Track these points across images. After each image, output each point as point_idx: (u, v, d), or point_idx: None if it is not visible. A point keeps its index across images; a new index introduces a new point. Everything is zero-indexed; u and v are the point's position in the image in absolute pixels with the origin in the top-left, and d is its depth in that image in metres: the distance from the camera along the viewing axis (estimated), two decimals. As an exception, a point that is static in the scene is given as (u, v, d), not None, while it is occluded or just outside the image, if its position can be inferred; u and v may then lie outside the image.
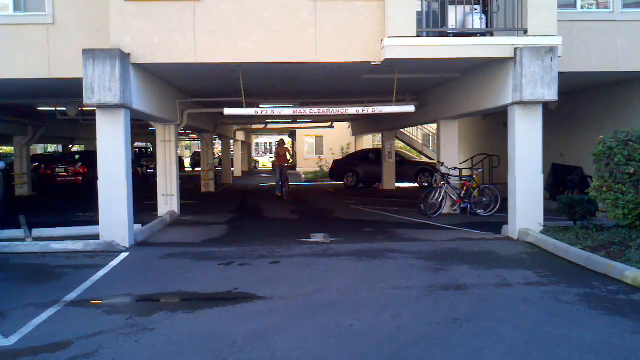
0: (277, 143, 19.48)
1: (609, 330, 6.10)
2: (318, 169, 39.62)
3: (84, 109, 19.69)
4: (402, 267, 9.33)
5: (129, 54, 11.15)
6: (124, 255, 10.37)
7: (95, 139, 11.17)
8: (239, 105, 14.55)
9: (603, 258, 8.80)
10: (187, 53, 11.30)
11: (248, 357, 5.47)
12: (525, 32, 11.35)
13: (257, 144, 73.02)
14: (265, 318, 6.65)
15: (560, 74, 11.48)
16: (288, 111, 14.91)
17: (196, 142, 57.43)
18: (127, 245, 11.00)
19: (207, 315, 6.81)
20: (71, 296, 7.66)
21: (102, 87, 10.75)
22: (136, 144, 41.16)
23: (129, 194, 11.27)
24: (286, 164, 21.07)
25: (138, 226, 12.26)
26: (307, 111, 14.49)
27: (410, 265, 9.44)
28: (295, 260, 9.88)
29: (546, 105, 12.50)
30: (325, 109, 14.42)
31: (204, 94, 17.16)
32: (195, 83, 14.99)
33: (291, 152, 21.13)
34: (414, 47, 11.18)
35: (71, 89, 13.63)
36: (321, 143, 45.50)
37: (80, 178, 23.89)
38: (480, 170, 18.03)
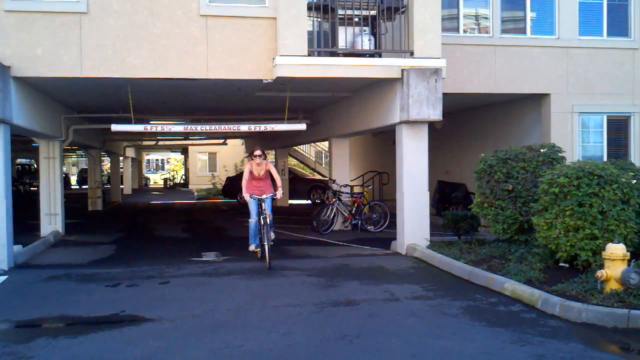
0: (249, 156, 11.59)
1: (489, 341, 6.40)
2: (211, 186, 39.20)
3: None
4: (294, 284, 9.38)
5: (9, 66, 10.64)
6: (1, 278, 9.79)
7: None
8: (128, 121, 14.19)
9: (484, 271, 9.23)
10: (73, 67, 10.91)
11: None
12: (412, 54, 11.78)
13: (148, 161, 71.27)
14: (153, 341, 6.47)
15: (445, 94, 12.00)
16: (179, 128, 14.74)
17: (84, 158, 55.38)
18: (6, 268, 10.41)
19: (92, 340, 6.55)
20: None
21: (-22, 100, 10.18)
22: (18, 160, 39.14)
23: (9, 212, 10.69)
24: (270, 194, 11.22)
25: (19, 247, 11.64)
26: (199, 128, 14.37)
27: (302, 282, 9.50)
28: (185, 280, 9.70)
29: (432, 125, 13.00)
30: (217, 126, 14.32)
31: (92, 109, 16.60)
32: (82, 98, 14.49)
33: (276, 171, 11.53)
34: (305, 66, 11.34)
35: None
36: (214, 160, 45.06)
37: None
38: (370, 187, 18.51)
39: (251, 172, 11.23)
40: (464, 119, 17.78)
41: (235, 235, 15.76)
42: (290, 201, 26.39)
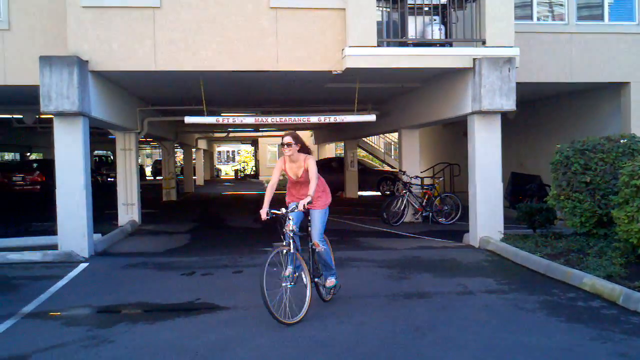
0: (283, 142, 7.18)
1: (568, 337, 6.21)
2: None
3: (42, 116, 19.30)
4: (364, 275, 9.36)
5: (87, 61, 10.98)
6: (83, 265, 10.19)
7: (54, 147, 10.96)
8: (200, 113, 14.46)
9: (562, 265, 8.96)
10: (147, 61, 11.18)
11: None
12: (484, 42, 11.52)
13: (219, 152, 72.56)
14: (227, 329, 6.59)
15: (518, 84, 11.69)
16: (250, 120, 14.90)
17: (158, 150, 56.87)
18: (87, 256, 10.81)
19: (168, 327, 6.72)
20: (28, 308, 7.49)
21: (59, 94, 10.56)
22: (96, 152, 40.54)
23: (89, 203, 11.08)
24: (320, 207, 7.39)
25: (98, 236, 12.06)
26: (269, 120, 14.49)
27: (373, 273, 9.48)
28: (258, 270, 9.76)
29: (505, 115, 12.69)
30: (287, 118, 14.42)
31: (165, 102, 17.00)
32: (155, 91, 14.85)
33: (314, 170, 7.20)
34: (374, 56, 11.26)
35: (28, 96, 13.36)
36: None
37: (39, 187, 23.40)
38: (441, 179, 18.24)
39: (285, 172, 7.40)
40: (538, 109, 17.29)
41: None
42: (360, 193, 26.32)
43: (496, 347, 5.92)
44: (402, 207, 15.87)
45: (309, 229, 7.25)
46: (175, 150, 31.44)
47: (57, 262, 10.43)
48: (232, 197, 28.83)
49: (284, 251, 6.79)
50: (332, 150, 41.84)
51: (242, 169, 53.84)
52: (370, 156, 34.36)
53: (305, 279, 7.06)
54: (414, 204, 16.10)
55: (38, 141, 30.16)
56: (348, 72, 11.61)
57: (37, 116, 19.33)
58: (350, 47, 11.14)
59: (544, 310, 7.22)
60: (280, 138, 7.35)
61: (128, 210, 15.99)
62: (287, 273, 6.75)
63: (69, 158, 10.88)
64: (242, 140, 50.06)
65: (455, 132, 21.69)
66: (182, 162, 38.43)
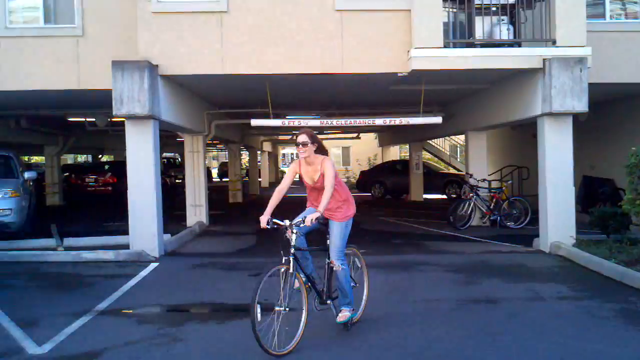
0: (298, 142, 6.27)
1: (645, 346, 5.98)
2: (345, 180, 39.62)
3: (113, 119, 19.89)
4: (431, 279, 9.26)
5: (157, 65, 11.24)
6: (153, 265, 10.43)
7: (124, 150, 11.28)
8: (266, 116, 14.61)
9: (639, 272, 8.62)
10: (214, 64, 11.36)
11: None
12: (554, 42, 11.23)
13: (283, 155, 73.13)
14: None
15: (590, 85, 11.33)
16: (315, 122, 14.95)
17: (224, 152, 57.79)
18: (157, 256, 11.06)
19: (237, 326, 6.81)
20: (102, 305, 7.71)
21: (131, 98, 10.86)
22: (164, 154, 41.51)
23: (159, 204, 11.35)
24: (341, 219, 6.49)
25: (167, 236, 12.33)
26: (334, 122, 14.54)
27: (439, 277, 9.36)
28: (322, 271, 9.82)
29: (576, 117, 12.32)
30: (352, 120, 14.43)
31: (232, 105, 17.26)
32: (222, 94, 15.10)
33: (331, 175, 6.24)
34: (441, 58, 11.13)
35: (100, 100, 13.80)
36: (348, 154, 45.51)
37: (110, 188, 24.15)
38: (509, 182, 17.86)
39: (300, 177, 6.55)
40: (612, 111, 16.72)
41: (370, 229, 15.78)
42: (425, 195, 26.06)
43: (570, 355, 5.74)
44: (469, 210, 15.62)
45: (327, 242, 6.38)
46: (241, 152, 31.89)
47: (128, 261, 10.71)
48: (297, 199, 28.95)
49: (282, 270, 5.85)
50: (396, 152, 41.63)
51: (305, 172, 53.99)
52: (435, 159, 34.00)
53: (303, 303, 6.02)
54: (481, 207, 15.82)
55: (109, 143, 31.10)
56: (414, 74, 11.51)
57: (109, 119, 19.94)
58: (416, 48, 11.04)
59: (619, 318, 6.97)
60: (300, 136, 6.23)
61: (196, 212, 16.30)
62: (282, 296, 5.78)
63: (140, 160, 11.17)
64: (307, 143, 50.25)
65: (523, 134, 21.20)
66: (247, 165, 38.90)
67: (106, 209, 21.07)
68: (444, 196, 26.64)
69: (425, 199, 25.86)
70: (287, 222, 5.96)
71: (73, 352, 5.95)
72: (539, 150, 11.74)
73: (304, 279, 6.12)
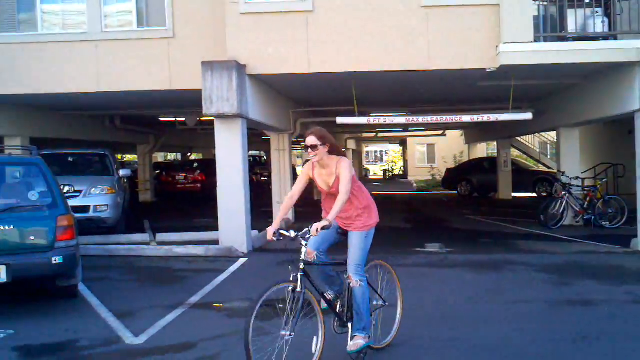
0: (307, 144, 5.32)
1: None
2: (430, 178, 39.15)
3: (202, 119, 20.45)
4: (522, 280, 9.00)
5: (244, 65, 11.45)
6: (242, 260, 10.64)
7: (213, 148, 11.56)
8: (351, 114, 14.61)
9: None
10: (300, 63, 11.46)
11: (367, 366, 5.44)
12: (654, 34, 10.70)
13: (367, 153, 73.11)
14: (381, 326, 6.58)
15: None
16: (400, 119, 14.85)
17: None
18: (245, 251, 11.28)
19: (327, 322, 6.83)
20: (194, 299, 7.93)
21: (220, 97, 11.10)
22: (250, 152, 42.25)
23: (247, 201, 11.57)
24: (361, 229, 5.57)
25: (255, 232, 12.55)
26: (420, 119, 14.36)
27: (531, 278, 9.09)
28: (410, 270, 9.75)
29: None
30: (438, 117, 14.22)
31: (317, 103, 17.37)
32: (308, 92, 15.22)
33: (347, 178, 5.26)
34: (531, 52, 10.80)
35: (190, 100, 14.20)
36: (433, 151, 44.94)
37: (199, 185, 24.84)
38: (604, 180, 17.15)
39: (314, 182, 5.60)
40: None
41: (458, 227, 15.55)
42: (514, 194, 25.39)
43: (673, 361, 5.46)
44: (561, 209, 15.09)
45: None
46: (326, 150, 31.97)
47: (218, 257, 10.97)
48: (381, 197, 28.87)
49: (290, 288, 5.10)
50: (483, 150, 40.79)
51: (390, 169, 53.87)
52: (524, 156, 33.08)
53: (319, 327, 5.21)
54: (574, 206, 15.26)
55: (198, 142, 31.96)
56: (502, 69, 11.23)
57: (198, 118, 20.52)
58: (505, 43, 10.77)
59: None
60: (308, 138, 5.31)
61: (282, 209, 16.47)
62: (289, 319, 5.04)
63: (229, 158, 11.42)
64: (391, 140, 50.08)
65: (619, 130, 20.31)
66: (331, 162, 39.01)
67: (195, 206, 21.67)
68: (534, 194, 25.88)
69: (514, 197, 25.19)
70: (292, 233, 5.20)
71: (168, 343, 6.14)
72: (637, 147, 11.21)
73: (319, 299, 5.29)
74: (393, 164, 57.36)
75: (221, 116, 11.27)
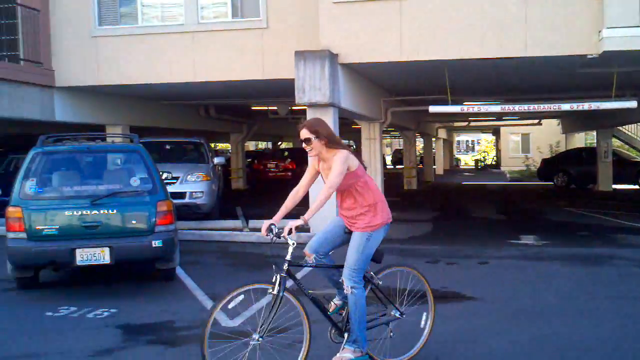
0: (301, 140, 4.91)
1: None
2: (524, 168, 38.06)
3: (294, 107, 20.69)
4: (625, 275, 8.62)
5: (337, 54, 11.46)
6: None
7: (303, 137, 11.66)
8: (443, 102, 14.38)
9: None
10: (393, 52, 11.35)
11: (460, 356, 5.36)
12: None
13: (458, 142, 71.90)
14: (475, 319, 6.50)
15: None
16: (495, 108, 14.49)
17: (397, 139, 57.97)
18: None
19: (414, 312, 6.79)
20: (289, 284, 8.02)
21: (312, 87, 11.17)
22: (340, 141, 42.34)
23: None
24: (365, 229, 4.92)
25: (343, 222, 12.59)
26: (516, 108, 13.96)
27: (635, 273, 8.70)
28: (504, 262, 9.55)
29: None
30: (534, 106, 13.78)
31: (408, 92, 17.20)
32: (399, 81, 15.10)
33: (338, 166, 4.72)
34: (636, 37, 10.26)
35: (282, 89, 14.39)
36: (527, 140, 43.58)
37: (290, 173, 25.18)
38: None
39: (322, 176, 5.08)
40: None
41: (554, 220, 15.05)
42: (615, 186, 24.30)
43: None
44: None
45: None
46: (416, 139, 31.74)
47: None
48: (473, 187, 28.37)
49: (269, 290, 4.62)
50: (581, 139, 39.25)
51: (482, 159, 52.78)
52: (627, 146, 31.58)
53: (304, 336, 4.79)
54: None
55: (289, 131, 32.36)
56: (605, 55, 10.72)
57: (290, 107, 20.78)
58: (608, 28, 10.27)
59: None
60: (301, 131, 4.86)
61: (372, 198, 16.47)
62: (260, 324, 4.58)
63: (320, 146, 11.46)
64: (483, 130, 49.00)
65: None
66: (421, 152, 38.66)
67: (286, 194, 21.88)
68: (637, 187, 24.69)
69: (615, 189, 24.11)
70: (272, 233, 4.71)
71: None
72: None
73: (304, 305, 4.79)
74: (485, 153, 56.12)
75: (313, 105, 11.34)
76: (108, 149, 8.81)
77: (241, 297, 4.56)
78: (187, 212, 13.07)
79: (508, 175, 36.87)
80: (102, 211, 7.42)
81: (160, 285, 8.11)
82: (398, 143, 57.87)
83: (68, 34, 13.63)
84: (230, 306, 4.57)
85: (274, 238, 4.66)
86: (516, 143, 44.70)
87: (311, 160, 5.04)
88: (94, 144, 8.79)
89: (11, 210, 7.36)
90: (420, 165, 35.47)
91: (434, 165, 37.27)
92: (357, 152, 4.99)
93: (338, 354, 4.80)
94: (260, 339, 4.52)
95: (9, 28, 13.31)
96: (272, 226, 4.69)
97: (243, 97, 18.30)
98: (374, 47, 11.43)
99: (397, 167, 44.99)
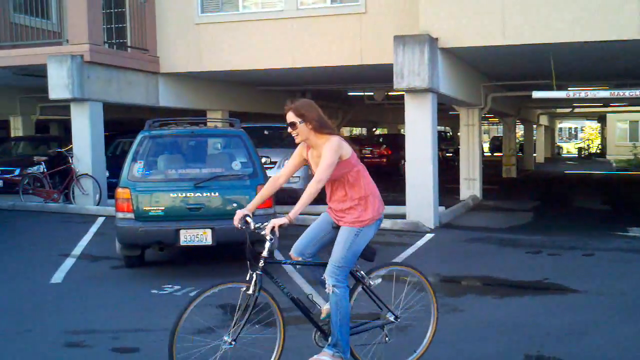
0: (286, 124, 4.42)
1: None
2: (632, 157, 36.18)
3: (390, 93, 20.53)
4: None
5: (436, 38, 11.24)
6: (429, 236, 10.56)
7: (398, 123, 11.60)
8: (546, 88, 13.86)
9: None
10: (495, 35, 11.01)
11: (565, 350, 5.17)
12: None
13: (560, 129, 69.22)
14: (580, 312, 6.27)
15: None
16: (604, 94, 13.81)
17: (494, 126, 56.50)
18: (432, 227, 11.19)
19: (516, 303, 6.63)
20: (382, 271, 7.99)
21: (411, 72, 11.01)
22: (435, 127, 41.76)
23: (435, 176, 11.46)
24: (352, 224, 4.43)
25: (441, 208, 12.41)
26: (627, 94, 13.25)
27: None
28: (611, 254, 9.14)
29: None
30: (649, 91, 13.01)
31: (509, 77, 16.69)
32: (501, 66, 14.66)
33: (329, 155, 4.24)
34: None
35: (379, 75, 14.30)
36: (636, 128, 41.36)
37: (385, 160, 25.05)
38: None
39: (309, 165, 4.62)
40: None
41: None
42: None
43: None
44: None
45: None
46: (516, 126, 30.84)
47: (405, 231, 10.98)
48: (576, 176, 27.27)
49: (243, 289, 4.18)
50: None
51: (586, 147, 50.63)
52: None
53: (277, 338, 4.37)
54: None
55: (384, 117, 32.17)
56: None
57: (386, 93, 20.63)
58: None
59: None
60: (286, 115, 4.40)
61: (469, 185, 16.17)
62: (233, 325, 4.17)
63: (418, 132, 11.34)
64: (587, 116, 46.94)
65: None
66: (521, 139, 37.54)
67: (381, 180, 21.70)
68: None
69: None
70: (252, 225, 4.21)
71: (357, 311, 6.27)
72: None
73: (280, 305, 4.33)
74: (589, 141, 53.83)
75: (411, 90, 11.20)
76: (211, 134, 9.05)
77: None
78: (283, 196, 13.22)
79: (614, 164, 35.14)
80: (204, 194, 7.64)
81: (259, 268, 8.26)
82: (496, 130, 56.36)
83: (172, 22, 14.08)
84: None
85: (249, 231, 4.17)
86: (623, 130, 42.51)
87: (298, 149, 4.54)
88: (197, 128, 9.06)
89: (120, 192, 7.70)
90: (520, 154, 34.42)
91: (535, 153, 36.07)
92: (357, 140, 4.56)
93: (315, 356, 4.35)
94: (234, 342, 4.11)
95: (118, 17, 13.91)
96: (247, 217, 4.22)
97: (340, 83, 18.33)
98: (475, 30, 11.13)
99: (495, 154, 43.83)
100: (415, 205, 11.35)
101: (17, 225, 11.42)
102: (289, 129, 4.39)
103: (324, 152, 4.25)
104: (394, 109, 27.30)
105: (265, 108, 19.60)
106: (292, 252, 4.51)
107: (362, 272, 4.49)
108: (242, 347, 4.33)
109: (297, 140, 4.42)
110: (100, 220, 11.44)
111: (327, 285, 4.33)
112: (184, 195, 7.61)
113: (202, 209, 7.64)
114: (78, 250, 9.17)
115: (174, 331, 3.99)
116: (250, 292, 4.14)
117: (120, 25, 14.09)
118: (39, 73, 13.25)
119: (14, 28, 13.30)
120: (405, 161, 11.71)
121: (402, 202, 11.66)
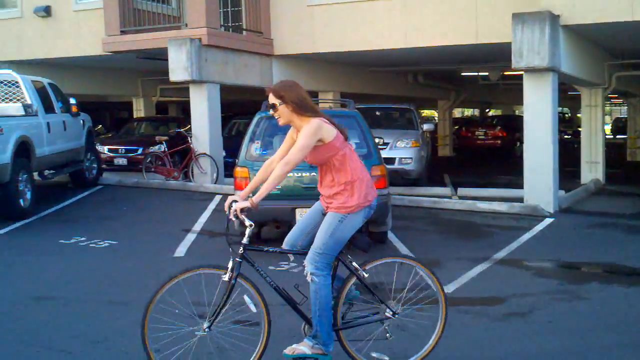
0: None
1: None
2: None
3: (506, 73, 19.88)
4: None
5: (558, 15, 10.74)
6: (548, 220, 10.15)
7: (513, 104, 11.23)
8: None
9: None
10: (623, 11, 10.35)
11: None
12: None
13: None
14: None
15: None
16: None
17: (617, 107, 53.60)
18: (551, 211, 10.75)
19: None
20: (500, 255, 7.83)
21: (530, 50, 10.57)
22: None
23: (555, 159, 11.01)
24: (338, 210, 4.20)
25: (561, 192, 11.93)
26: None
27: None
28: None
29: None
30: None
31: (637, 55, 15.71)
32: (628, 43, 13.83)
33: (304, 137, 4.09)
34: None
35: (494, 54, 13.85)
36: None
37: (499, 141, 24.36)
38: None
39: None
40: None
41: None
42: None
43: None
44: None
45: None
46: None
47: (522, 215, 10.59)
48: None
49: (223, 277, 4.03)
50: None
51: None
52: None
53: (262, 330, 4.14)
54: None
55: (498, 97, 31.27)
56: None
57: (501, 73, 20.02)
58: None
59: None
60: (268, 95, 4.24)
61: (591, 169, 15.41)
62: (211, 313, 4.07)
63: (538, 113, 10.90)
64: None
65: None
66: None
67: (494, 162, 21.32)
68: None
69: None
70: (231, 213, 4.07)
71: (477, 295, 6.19)
72: None
73: (262, 294, 4.13)
74: None
75: (531, 70, 10.77)
76: (327, 114, 9.10)
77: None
78: (395, 177, 13.17)
79: None
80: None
81: (373, 248, 8.28)
82: (619, 111, 53.42)
83: (285, 4, 14.22)
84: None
85: (233, 219, 4.06)
86: None
87: (290, 132, 4.36)
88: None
89: (239, 170, 7.93)
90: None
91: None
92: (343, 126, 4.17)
93: (295, 345, 4.16)
94: (208, 329, 4.04)
95: (233, 0, 14.22)
96: (234, 202, 4.06)
97: (453, 63, 17.93)
98: (601, 6, 10.53)
99: (617, 137, 41.52)
100: (534, 189, 10.93)
101: (141, 201, 12.01)
102: (271, 111, 4.24)
103: (300, 134, 4.11)
104: (509, 89, 26.46)
105: (376, 89, 19.52)
106: (284, 245, 4.32)
107: (354, 263, 4.21)
108: (223, 337, 4.18)
109: (280, 123, 4.25)
110: (218, 198, 11.81)
111: (305, 272, 4.11)
112: (299, 174, 7.72)
113: (316, 188, 7.71)
114: (198, 226, 9.53)
115: (145, 316, 3.90)
116: (226, 279, 4.00)
117: (235, 9, 14.37)
118: (159, 56, 13.80)
119: (137, 14, 13.89)
120: (520, 143, 11.33)
121: (517, 186, 11.32)
